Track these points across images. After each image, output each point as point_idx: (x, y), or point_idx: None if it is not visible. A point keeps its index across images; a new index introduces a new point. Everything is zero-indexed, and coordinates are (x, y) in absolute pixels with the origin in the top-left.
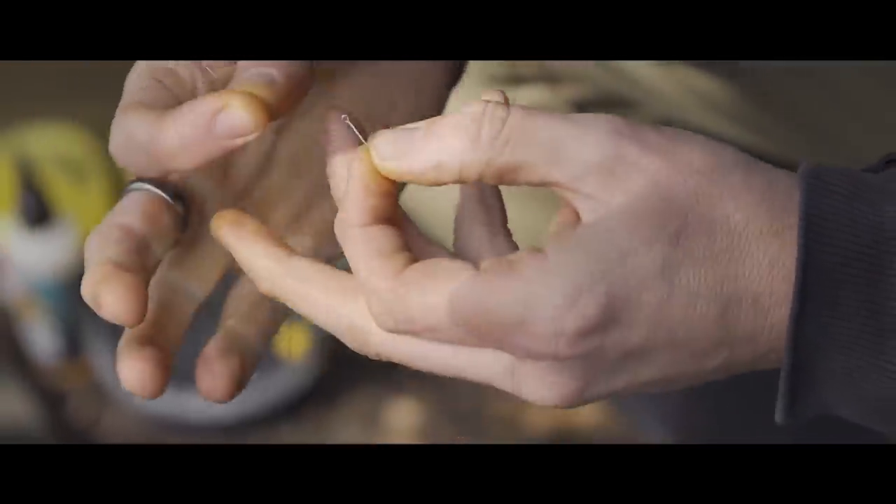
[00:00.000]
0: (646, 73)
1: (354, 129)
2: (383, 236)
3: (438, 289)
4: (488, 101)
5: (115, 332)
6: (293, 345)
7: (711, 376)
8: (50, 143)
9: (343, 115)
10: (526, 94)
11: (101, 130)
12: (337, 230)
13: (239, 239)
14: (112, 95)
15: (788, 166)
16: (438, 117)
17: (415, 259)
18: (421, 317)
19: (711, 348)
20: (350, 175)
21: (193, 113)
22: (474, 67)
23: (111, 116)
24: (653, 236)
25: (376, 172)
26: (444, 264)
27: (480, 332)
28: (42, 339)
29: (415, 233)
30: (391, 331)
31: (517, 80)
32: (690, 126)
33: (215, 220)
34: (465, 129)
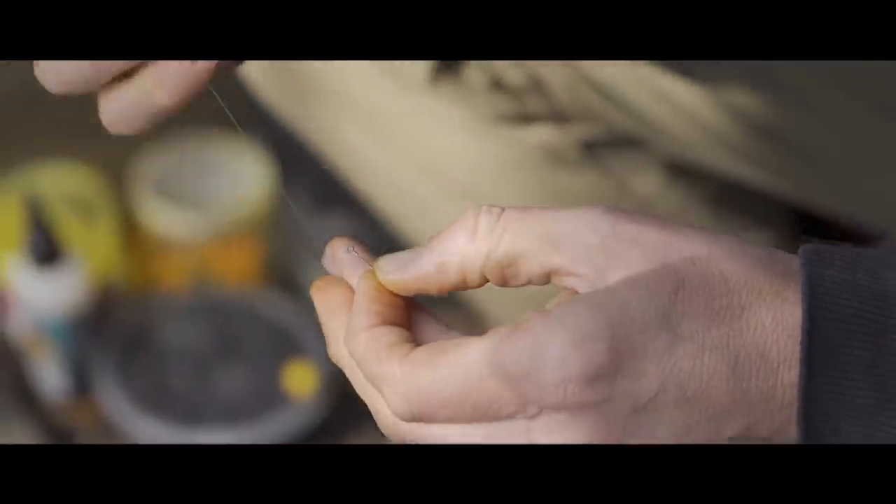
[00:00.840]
0: (656, 111)
1: (360, 256)
2: (389, 333)
3: (449, 360)
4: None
5: (123, 370)
6: (301, 383)
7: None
8: (59, 182)
9: (349, 247)
10: (534, 134)
11: (110, 169)
12: (347, 343)
13: (323, 303)
14: (120, 135)
15: (800, 206)
16: (443, 230)
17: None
18: (435, 391)
19: (727, 411)
20: (356, 293)
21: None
22: (483, 106)
23: (120, 155)
24: (651, 292)
25: (381, 287)
26: (453, 341)
27: (492, 395)
28: (50, 376)
29: (433, 327)
30: (409, 418)
31: (525, 119)
32: (702, 165)
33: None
34: (462, 228)
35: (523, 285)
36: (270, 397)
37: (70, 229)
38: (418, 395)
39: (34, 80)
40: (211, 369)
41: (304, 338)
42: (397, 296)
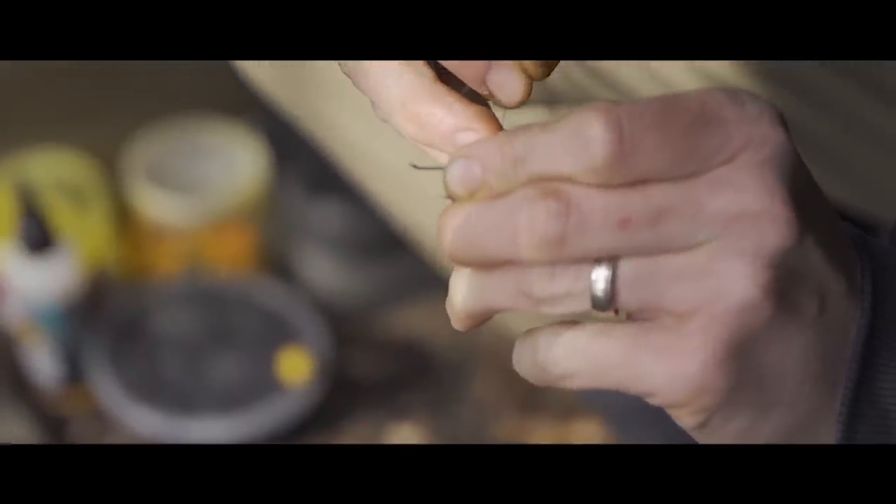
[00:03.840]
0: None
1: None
2: None
3: (641, 100)
4: None
5: (116, 357)
6: (295, 370)
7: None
8: (51, 168)
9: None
10: (528, 117)
11: (102, 155)
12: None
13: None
14: (113, 121)
15: None
16: None
17: None
18: (648, 106)
19: (832, 352)
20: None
21: (441, 113)
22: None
23: (113, 141)
24: None
25: None
26: None
27: (701, 114)
28: (42, 364)
29: None
30: (619, 143)
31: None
32: None
33: None
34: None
35: None
36: (264, 384)
37: (62, 216)
38: (629, 112)
39: (26, 67)
40: (204, 356)
41: (299, 325)
42: None
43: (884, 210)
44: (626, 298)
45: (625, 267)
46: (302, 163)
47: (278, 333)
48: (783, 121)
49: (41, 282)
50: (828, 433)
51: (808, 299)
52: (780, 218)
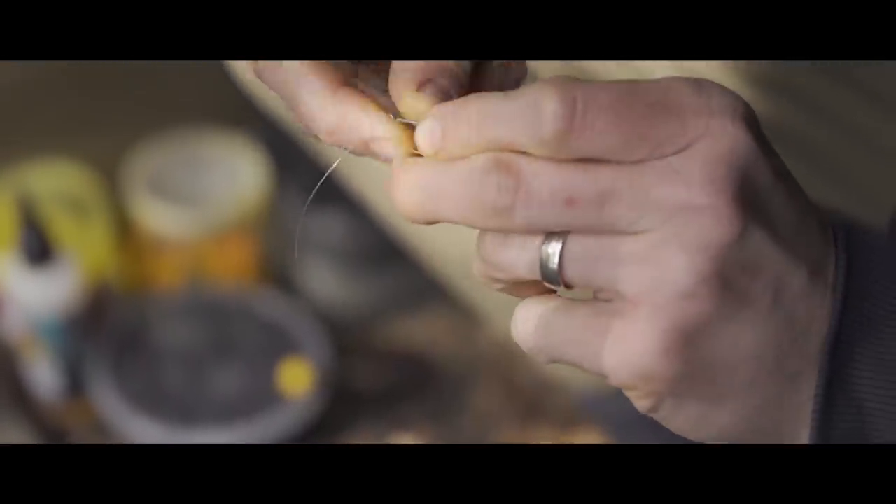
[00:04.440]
0: None
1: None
2: None
3: (604, 82)
4: None
5: (117, 369)
6: (296, 382)
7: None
8: (51, 180)
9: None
10: None
11: (103, 167)
12: (472, 99)
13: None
14: (113, 132)
15: None
16: None
17: None
18: (606, 88)
19: (788, 345)
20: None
21: (352, 123)
22: None
23: (114, 153)
24: None
25: None
26: None
27: (660, 101)
28: (43, 376)
29: None
30: (569, 123)
31: None
32: None
33: None
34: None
35: None
36: (265, 396)
37: (63, 228)
38: (586, 92)
39: (26, 78)
40: (206, 368)
41: (300, 336)
42: None
43: (879, 216)
44: (572, 274)
45: (572, 243)
46: (302, 174)
47: (279, 345)
48: (750, 116)
49: (42, 294)
50: (799, 427)
51: (760, 292)
52: (724, 214)
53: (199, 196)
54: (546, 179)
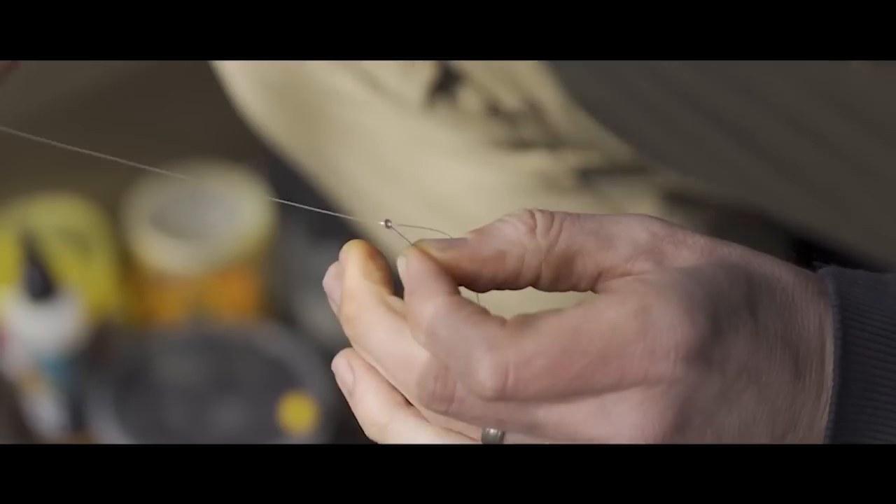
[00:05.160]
0: (652, 136)
1: (398, 231)
2: (472, 303)
3: (551, 325)
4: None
5: (119, 404)
6: (298, 417)
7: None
8: (54, 215)
9: (384, 220)
10: (530, 160)
11: (105, 202)
12: (418, 307)
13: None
14: (115, 167)
15: (800, 234)
16: (484, 225)
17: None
18: (540, 354)
19: (787, 404)
20: (414, 261)
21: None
22: (478, 131)
23: (116, 188)
24: (731, 276)
25: (436, 261)
26: (541, 312)
27: (598, 359)
28: (46, 411)
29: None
30: (498, 394)
31: (521, 145)
32: (698, 191)
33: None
34: (519, 221)
35: (567, 290)
36: (267, 432)
37: (66, 263)
38: (519, 360)
39: (28, 113)
40: (208, 403)
41: (302, 372)
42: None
43: (887, 252)
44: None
45: (511, 437)
46: (305, 209)
47: (281, 380)
48: (695, 348)
49: (44, 329)
50: None
51: None
52: None
53: (202, 231)
54: (478, 406)
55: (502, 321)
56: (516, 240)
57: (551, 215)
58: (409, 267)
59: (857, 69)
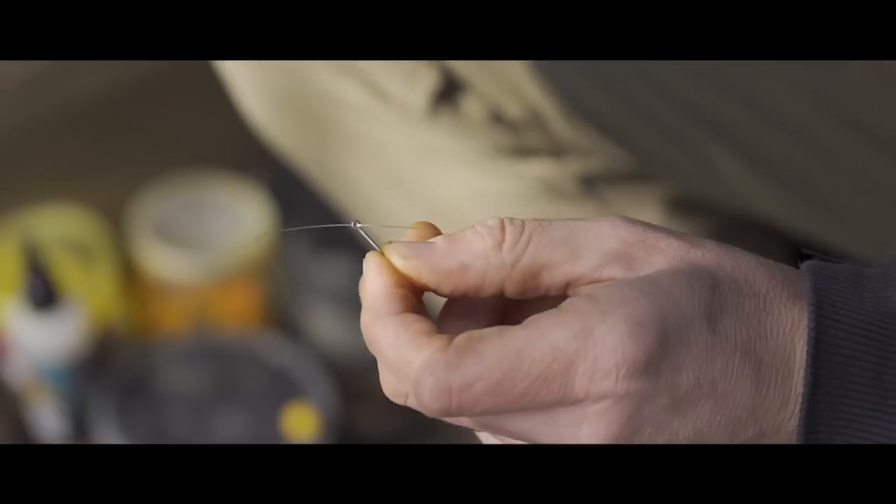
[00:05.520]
0: (653, 146)
1: (365, 236)
2: (420, 321)
3: (494, 347)
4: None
5: (122, 414)
6: (300, 426)
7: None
8: (56, 225)
9: (354, 221)
10: (533, 168)
11: (108, 212)
12: (368, 327)
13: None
14: (118, 177)
15: (801, 241)
16: (456, 231)
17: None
18: (482, 378)
19: (746, 414)
20: (370, 273)
21: None
22: (481, 139)
23: (119, 198)
24: (693, 285)
25: (398, 272)
26: (487, 330)
27: (540, 380)
28: (48, 421)
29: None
30: (444, 412)
31: (523, 153)
32: (700, 198)
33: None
34: (488, 234)
35: (536, 297)
36: (270, 441)
37: (68, 273)
38: (461, 384)
39: (31, 123)
40: (210, 413)
41: (304, 381)
42: (412, 284)
43: (879, 256)
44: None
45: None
46: (307, 219)
47: (284, 390)
48: (637, 363)
49: (47, 338)
50: None
51: None
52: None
53: (204, 241)
54: (436, 409)
55: (446, 343)
56: (481, 254)
57: (521, 226)
58: (364, 281)
59: (857, 79)
